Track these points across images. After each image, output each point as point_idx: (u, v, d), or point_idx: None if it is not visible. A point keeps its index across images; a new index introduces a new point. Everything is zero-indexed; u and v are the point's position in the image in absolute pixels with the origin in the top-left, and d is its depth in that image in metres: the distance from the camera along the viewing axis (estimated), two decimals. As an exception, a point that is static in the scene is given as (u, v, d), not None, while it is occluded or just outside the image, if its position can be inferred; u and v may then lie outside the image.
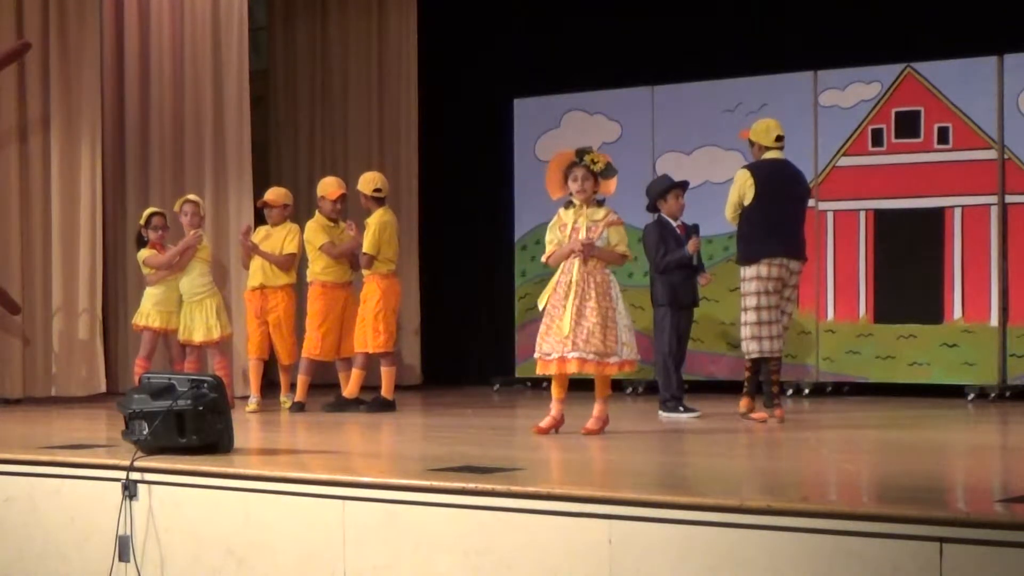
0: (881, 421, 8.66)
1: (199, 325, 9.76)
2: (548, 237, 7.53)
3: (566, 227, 7.41)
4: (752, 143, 8.33)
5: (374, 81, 12.45)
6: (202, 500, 5.90)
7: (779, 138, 8.25)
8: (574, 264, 7.32)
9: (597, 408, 7.45)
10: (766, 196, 8.08)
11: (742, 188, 8.13)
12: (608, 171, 7.35)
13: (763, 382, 8.30)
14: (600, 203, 7.44)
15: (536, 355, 7.42)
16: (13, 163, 10.42)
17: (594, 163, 7.32)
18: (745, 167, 8.26)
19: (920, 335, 10.15)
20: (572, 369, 7.26)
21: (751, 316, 8.09)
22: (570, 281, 7.30)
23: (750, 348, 8.13)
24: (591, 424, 7.41)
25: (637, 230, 10.30)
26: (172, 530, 5.94)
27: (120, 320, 11.23)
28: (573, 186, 7.36)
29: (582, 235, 7.32)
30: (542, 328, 7.38)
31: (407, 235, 11.41)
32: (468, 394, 11.21)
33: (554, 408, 7.44)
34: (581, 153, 7.37)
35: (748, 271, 8.13)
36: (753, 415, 8.18)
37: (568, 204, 7.46)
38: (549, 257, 7.50)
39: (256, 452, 7.01)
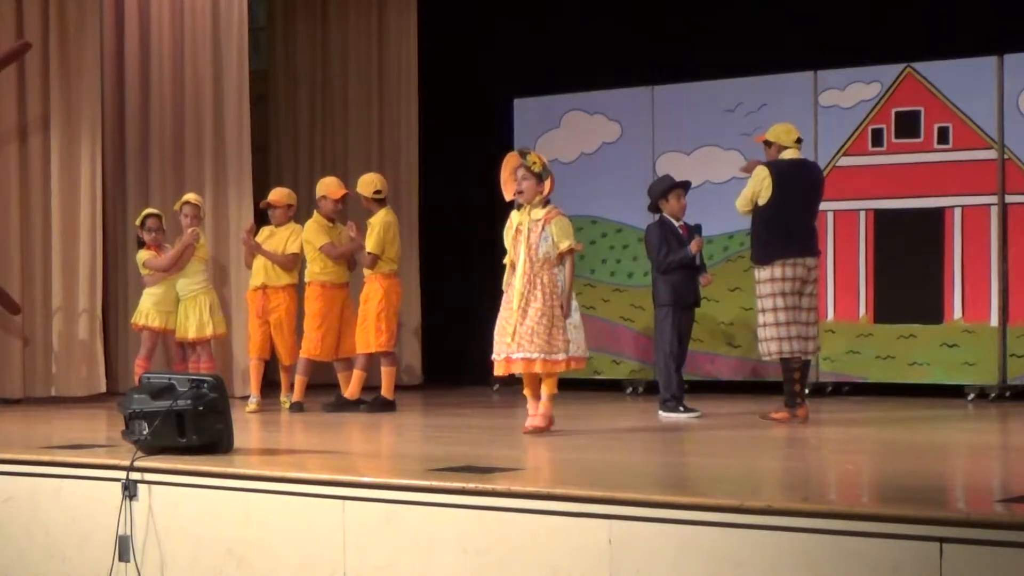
0: (881, 421, 8.65)
1: (192, 322, 9.80)
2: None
3: (512, 229, 7.53)
4: (769, 144, 8.29)
5: (374, 81, 12.44)
6: (202, 500, 5.90)
7: (799, 140, 8.27)
8: (520, 267, 7.43)
9: (543, 406, 7.50)
10: (782, 197, 8.07)
11: (759, 186, 8.10)
12: (544, 172, 7.44)
13: (784, 381, 8.19)
14: (546, 203, 7.50)
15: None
16: (13, 163, 10.42)
17: (533, 164, 7.40)
18: (765, 165, 8.23)
19: (920, 335, 10.14)
20: (518, 369, 7.44)
21: (769, 317, 8.07)
22: (518, 283, 7.42)
23: (770, 349, 8.08)
24: (538, 421, 7.45)
25: (639, 230, 10.34)
26: (172, 530, 5.95)
27: (120, 320, 11.23)
28: (516, 187, 7.47)
29: (524, 237, 7.43)
30: (495, 330, 7.54)
31: (407, 235, 11.40)
32: (468, 394, 11.20)
33: (530, 407, 7.54)
34: (523, 153, 7.48)
35: (763, 272, 8.12)
36: (774, 415, 8.11)
37: (519, 206, 7.56)
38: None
39: (256, 452, 7.01)
